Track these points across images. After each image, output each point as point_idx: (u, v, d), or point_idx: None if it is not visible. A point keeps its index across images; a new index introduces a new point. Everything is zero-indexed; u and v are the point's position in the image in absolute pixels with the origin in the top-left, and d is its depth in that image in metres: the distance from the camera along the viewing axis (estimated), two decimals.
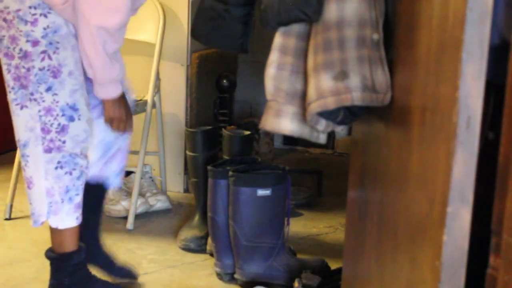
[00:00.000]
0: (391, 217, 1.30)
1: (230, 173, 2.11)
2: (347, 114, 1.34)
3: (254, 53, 3.63)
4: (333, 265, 2.16)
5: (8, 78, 1.80)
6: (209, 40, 1.73)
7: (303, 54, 1.40)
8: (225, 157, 2.40)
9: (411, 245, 1.17)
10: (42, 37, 1.73)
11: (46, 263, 2.26)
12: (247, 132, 2.45)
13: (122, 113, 1.90)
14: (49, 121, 1.79)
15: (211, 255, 2.31)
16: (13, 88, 1.79)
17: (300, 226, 2.72)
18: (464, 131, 0.98)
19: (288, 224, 2.18)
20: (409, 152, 1.19)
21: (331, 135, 1.58)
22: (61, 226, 1.86)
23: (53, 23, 1.74)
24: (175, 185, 3.13)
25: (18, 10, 1.72)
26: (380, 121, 1.39)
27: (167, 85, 3.01)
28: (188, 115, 3.07)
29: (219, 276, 2.19)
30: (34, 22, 1.72)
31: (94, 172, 1.98)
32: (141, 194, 2.79)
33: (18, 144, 1.84)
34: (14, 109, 1.82)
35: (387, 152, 1.35)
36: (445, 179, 1.00)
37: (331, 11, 1.32)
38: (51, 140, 1.80)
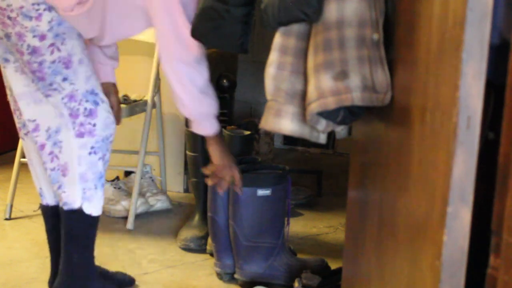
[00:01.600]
0: (391, 217, 1.30)
1: None
2: (347, 114, 1.34)
3: (254, 53, 3.63)
4: (333, 265, 2.16)
5: (25, 71, 1.81)
6: (209, 40, 1.74)
7: (303, 54, 1.40)
8: None
9: (411, 245, 1.17)
10: (48, 30, 1.74)
11: (46, 263, 2.26)
12: (247, 132, 2.45)
13: (227, 159, 2.02)
14: (74, 106, 1.80)
15: (211, 255, 2.30)
16: (32, 80, 1.81)
17: (300, 226, 2.72)
18: (464, 131, 0.98)
19: (288, 224, 2.18)
20: (409, 152, 1.19)
21: (331, 135, 1.58)
22: (95, 213, 1.87)
23: (57, 16, 1.75)
24: (175, 185, 3.13)
25: (21, 7, 1.71)
26: (380, 121, 1.39)
27: (167, 85, 3.00)
28: None
29: (219, 276, 2.19)
30: (38, 17, 1.73)
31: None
32: (141, 194, 2.79)
33: (48, 133, 1.84)
34: (40, 97, 1.83)
35: (387, 152, 1.35)
36: (445, 179, 1.00)
37: (331, 11, 1.32)
38: (81, 124, 1.81)
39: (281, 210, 2.15)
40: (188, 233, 2.44)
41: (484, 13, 0.96)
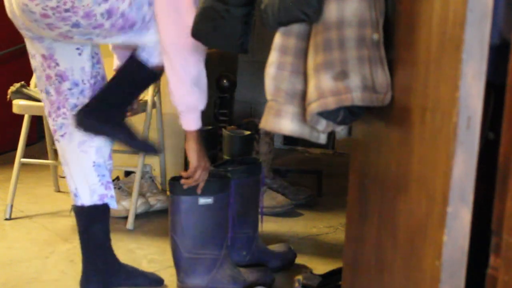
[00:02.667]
0: (391, 217, 1.30)
1: (169, 181, 2.03)
2: (347, 114, 1.34)
3: (254, 53, 3.64)
4: (333, 265, 2.16)
5: (113, 35, 1.81)
6: (209, 40, 1.73)
7: (303, 54, 1.40)
8: (226, 157, 2.40)
9: (411, 245, 1.17)
10: None
11: (46, 263, 2.27)
12: (247, 132, 2.45)
13: (204, 160, 1.96)
14: None
15: None
16: (127, 32, 1.81)
17: (300, 226, 2.72)
18: (464, 131, 0.98)
19: (230, 233, 2.08)
20: (409, 152, 1.19)
21: (331, 135, 1.57)
22: None
23: None
24: None
25: None
26: (380, 121, 1.39)
27: (167, 85, 3.00)
28: None
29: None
30: None
31: (100, 191, 2.01)
32: (141, 194, 2.79)
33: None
34: (152, 40, 1.86)
35: (387, 152, 1.35)
36: (445, 179, 1.00)
37: (331, 11, 1.32)
38: None
39: (224, 219, 2.03)
40: None
41: (484, 13, 0.96)
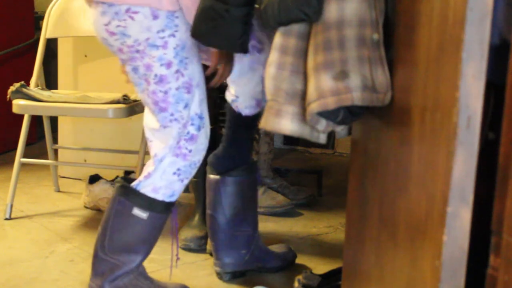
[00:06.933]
0: (391, 217, 1.30)
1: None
2: (347, 114, 1.34)
3: None
4: (333, 265, 2.16)
5: (148, 102, 1.84)
6: (209, 40, 1.73)
7: (303, 54, 1.40)
8: None
9: (411, 245, 1.17)
10: (174, 57, 1.77)
11: (46, 263, 2.27)
12: None
13: (229, 57, 1.88)
14: (182, 131, 1.84)
15: (211, 255, 2.30)
16: (153, 111, 1.84)
17: (300, 226, 2.72)
18: (464, 131, 0.98)
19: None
20: (409, 152, 1.19)
21: (331, 135, 1.58)
22: None
23: (180, 40, 1.77)
24: None
25: (148, 39, 1.74)
26: (380, 121, 1.39)
27: None
28: None
29: (219, 275, 2.19)
30: (164, 45, 1.76)
31: None
32: None
33: (153, 159, 1.87)
34: (157, 127, 1.85)
35: (387, 152, 1.35)
36: (445, 179, 1.00)
37: (331, 11, 1.32)
38: (179, 148, 1.85)
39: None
40: (188, 233, 2.44)
41: (484, 13, 0.96)
